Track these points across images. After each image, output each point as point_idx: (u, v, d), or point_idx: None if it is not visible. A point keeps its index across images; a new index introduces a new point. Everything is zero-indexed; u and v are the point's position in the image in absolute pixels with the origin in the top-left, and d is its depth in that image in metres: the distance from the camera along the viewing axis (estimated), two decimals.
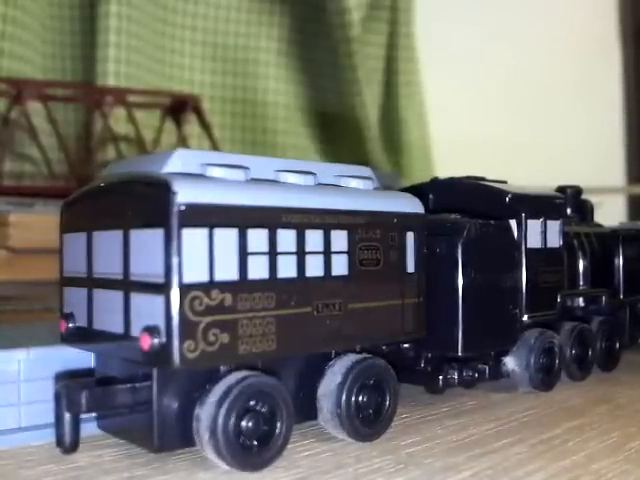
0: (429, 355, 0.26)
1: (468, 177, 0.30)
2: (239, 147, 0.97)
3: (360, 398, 0.22)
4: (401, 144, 1.06)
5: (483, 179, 0.30)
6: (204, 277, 0.18)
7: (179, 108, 0.79)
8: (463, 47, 1.17)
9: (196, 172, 0.19)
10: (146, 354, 0.18)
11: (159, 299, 0.18)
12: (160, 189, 0.18)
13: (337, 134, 1.04)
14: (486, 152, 1.19)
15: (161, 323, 0.18)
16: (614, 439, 0.25)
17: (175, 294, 0.18)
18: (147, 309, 0.18)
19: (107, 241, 0.20)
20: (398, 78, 1.04)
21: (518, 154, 1.23)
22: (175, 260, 0.17)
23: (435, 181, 0.30)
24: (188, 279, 0.18)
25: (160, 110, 0.79)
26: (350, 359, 0.22)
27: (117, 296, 0.19)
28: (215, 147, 0.80)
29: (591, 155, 1.33)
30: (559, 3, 1.32)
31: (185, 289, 0.18)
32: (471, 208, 0.27)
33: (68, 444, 0.19)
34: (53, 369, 0.25)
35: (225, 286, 0.18)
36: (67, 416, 0.19)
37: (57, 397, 0.19)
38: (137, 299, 0.19)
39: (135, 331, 0.19)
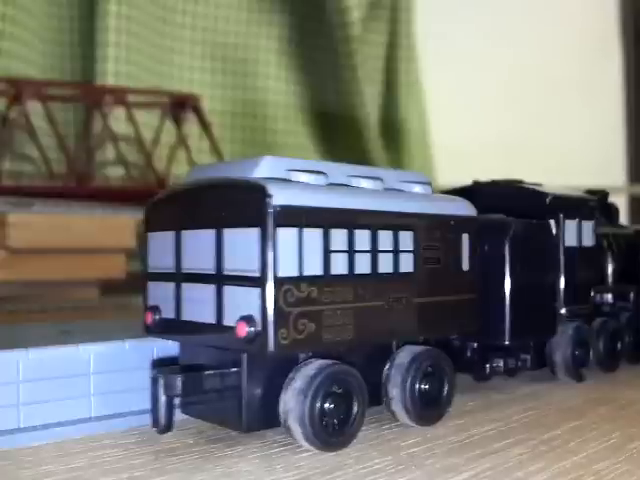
0: (474, 345, 0.28)
1: (508, 180, 0.33)
2: (239, 147, 0.97)
3: (422, 385, 0.24)
4: (401, 144, 1.05)
5: (522, 182, 0.33)
6: (295, 272, 0.20)
7: (179, 107, 0.78)
8: (464, 47, 1.17)
9: (282, 177, 0.22)
10: (241, 341, 0.20)
11: (255, 291, 0.20)
12: (256, 192, 0.20)
13: (337, 134, 1.04)
14: (487, 152, 1.19)
15: (257, 313, 0.20)
16: (615, 440, 0.25)
17: (270, 287, 0.20)
18: (242, 301, 0.20)
19: (197, 239, 0.22)
20: (398, 78, 1.04)
21: (519, 154, 1.23)
22: (270, 256, 0.20)
23: (476, 184, 0.32)
24: (282, 273, 0.20)
25: (160, 110, 0.79)
26: (413, 349, 0.25)
27: (208, 289, 0.21)
28: (215, 147, 0.80)
29: (592, 155, 1.33)
30: (560, 3, 1.32)
31: (279, 282, 0.20)
32: (511, 209, 0.29)
33: (163, 425, 0.21)
34: (53, 369, 0.25)
35: (312, 280, 0.21)
36: (163, 399, 0.21)
37: (154, 382, 0.21)
38: (231, 292, 0.20)
39: (229, 321, 0.20)
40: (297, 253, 0.20)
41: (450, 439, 0.25)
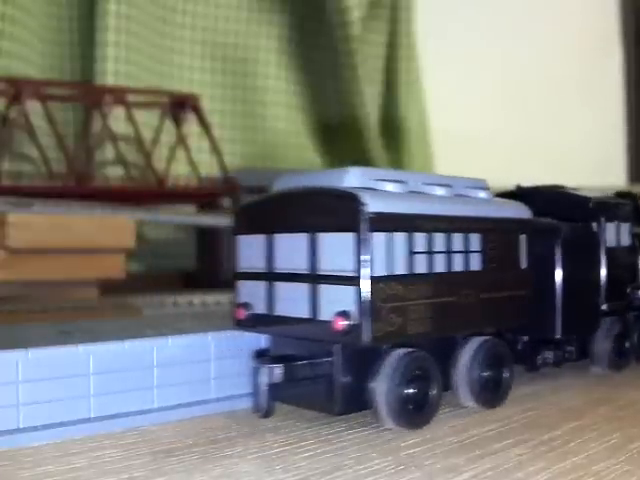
0: (524, 338, 0.31)
1: (550, 185, 0.35)
2: (239, 146, 0.97)
3: (486, 372, 0.28)
4: (401, 143, 1.05)
5: (563, 187, 0.36)
6: (385, 272, 0.23)
7: (178, 107, 0.78)
8: (464, 46, 1.16)
9: (369, 186, 0.25)
10: (338, 334, 0.23)
11: (351, 289, 0.23)
12: (352, 201, 0.23)
13: (337, 133, 1.04)
14: (487, 151, 1.19)
15: (353, 308, 0.23)
16: (615, 440, 0.25)
17: (366, 285, 0.23)
18: (338, 297, 0.23)
19: (291, 242, 0.25)
20: (398, 77, 1.04)
21: (519, 153, 1.23)
22: (365, 258, 0.23)
23: (520, 189, 0.35)
24: (375, 273, 0.23)
25: (159, 109, 0.79)
26: (478, 339, 0.28)
27: (302, 287, 0.24)
28: (215, 146, 0.80)
29: (592, 154, 1.33)
30: (560, 2, 1.31)
31: (373, 281, 0.23)
32: (555, 212, 0.32)
33: (265, 410, 0.24)
34: (52, 370, 0.25)
35: (399, 279, 0.24)
36: (264, 386, 0.23)
37: (256, 370, 0.23)
38: (326, 289, 0.23)
39: (324, 315, 0.23)
40: (386, 255, 0.23)
41: (450, 439, 0.25)
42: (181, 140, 0.78)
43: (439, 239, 0.25)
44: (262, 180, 0.96)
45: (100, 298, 0.57)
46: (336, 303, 0.23)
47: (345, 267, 0.23)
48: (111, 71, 0.82)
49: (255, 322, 0.26)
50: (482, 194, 0.28)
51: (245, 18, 0.97)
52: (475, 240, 0.26)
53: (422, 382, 0.25)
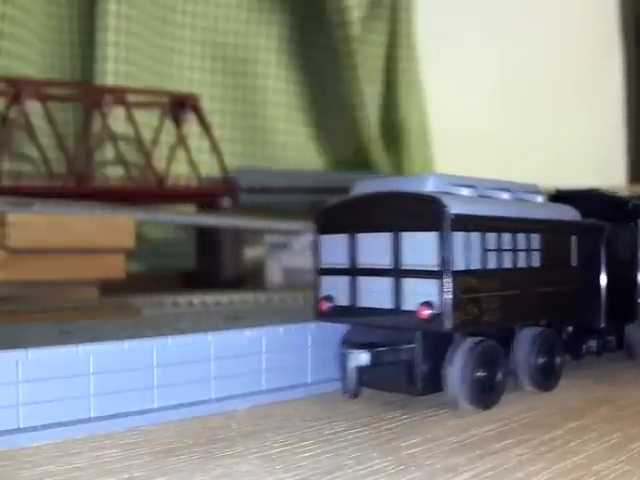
0: (569, 329, 0.33)
1: (588, 188, 0.38)
2: (239, 146, 0.97)
3: (541, 358, 0.31)
4: (401, 144, 1.05)
5: (598, 189, 0.38)
6: (463, 267, 0.26)
7: (178, 107, 0.78)
8: (464, 46, 1.16)
9: (446, 191, 0.28)
10: (422, 322, 0.26)
11: (434, 282, 0.26)
12: (435, 204, 0.26)
13: (337, 133, 1.04)
14: (487, 151, 1.19)
15: (436, 299, 0.26)
16: (615, 440, 0.25)
17: (448, 279, 0.26)
18: (422, 290, 0.26)
19: (374, 241, 0.27)
20: (398, 77, 1.03)
21: (519, 153, 1.23)
22: (447, 254, 0.26)
23: (560, 192, 0.37)
24: (455, 268, 0.26)
25: (159, 109, 0.79)
26: (535, 330, 0.31)
27: (386, 281, 0.27)
28: (215, 146, 0.80)
29: (593, 154, 1.33)
30: (561, 2, 1.31)
31: (454, 275, 0.26)
32: (595, 213, 0.34)
33: (353, 391, 0.27)
34: (52, 370, 0.25)
35: (475, 273, 0.27)
36: (353, 370, 0.26)
37: (345, 356, 0.26)
38: (410, 283, 0.26)
39: (408, 306, 0.26)
40: (464, 252, 0.26)
41: (450, 439, 0.25)
42: (181, 140, 0.78)
43: (506, 238, 0.28)
44: (262, 180, 0.96)
45: (100, 298, 0.57)
46: (420, 295, 0.26)
47: (428, 262, 0.26)
48: (111, 71, 0.82)
49: (337, 313, 0.28)
50: (538, 198, 0.32)
51: (245, 18, 0.96)
52: (534, 240, 0.29)
53: (490, 367, 0.28)
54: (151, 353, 0.27)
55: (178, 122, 0.78)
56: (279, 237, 0.75)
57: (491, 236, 0.27)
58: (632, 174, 1.40)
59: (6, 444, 0.24)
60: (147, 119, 0.81)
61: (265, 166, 0.97)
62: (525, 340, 0.30)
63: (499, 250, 0.27)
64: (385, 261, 0.27)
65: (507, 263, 0.28)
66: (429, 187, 0.27)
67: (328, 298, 0.28)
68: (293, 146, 1.00)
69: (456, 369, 0.27)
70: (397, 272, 0.26)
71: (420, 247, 0.26)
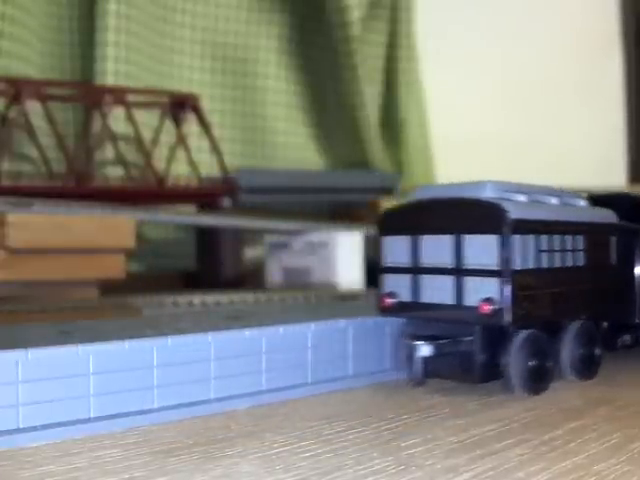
0: (605, 323, 0.35)
1: (618, 192, 0.41)
2: (239, 146, 0.97)
3: (583, 350, 0.33)
4: (401, 144, 1.05)
5: (629, 194, 0.40)
6: (521, 266, 0.29)
7: (178, 107, 0.78)
8: (464, 46, 1.16)
9: (503, 197, 0.30)
10: (483, 317, 0.28)
11: (495, 280, 0.28)
12: (496, 209, 0.29)
13: (337, 133, 1.04)
14: (487, 152, 1.19)
15: (496, 296, 0.28)
16: (615, 440, 0.25)
17: (508, 277, 0.28)
18: (483, 287, 0.28)
19: (436, 242, 0.30)
20: (398, 77, 1.03)
21: (519, 153, 1.23)
22: (507, 255, 0.28)
23: (593, 196, 0.39)
24: (515, 267, 0.29)
25: (159, 109, 0.79)
26: (577, 323, 0.33)
27: (447, 279, 0.29)
28: (214, 146, 0.80)
29: (593, 155, 1.33)
30: (561, 3, 1.31)
31: (513, 274, 0.28)
32: (624, 215, 0.36)
33: (419, 379, 0.29)
34: (52, 370, 0.25)
35: (530, 272, 0.29)
36: (419, 360, 0.29)
37: (411, 346, 0.29)
38: (471, 281, 0.29)
39: (470, 302, 0.29)
40: (521, 252, 0.29)
41: (450, 440, 0.25)
42: (181, 140, 0.78)
43: (556, 240, 0.31)
44: (262, 180, 0.96)
45: (100, 298, 0.57)
46: (481, 292, 0.28)
47: (490, 262, 0.28)
48: (111, 71, 0.82)
49: (399, 308, 0.31)
50: (581, 203, 0.34)
51: (245, 18, 0.96)
52: (579, 241, 0.32)
53: (540, 357, 0.31)
54: (151, 353, 0.27)
55: (178, 122, 0.78)
56: (279, 237, 0.75)
57: (544, 238, 0.30)
58: (632, 174, 1.40)
59: (6, 444, 0.24)
60: (147, 119, 0.81)
61: (265, 166, 0.97)
62: (569, 333, 0.32)
63: (550, 251, 0.30)
64: (447, 261, 0.29)
65: (557, 263, 0.31)
66: (487, 193, 0.29)
67: (391, 294, 0.31)
68: (293, 146, 1.00)
69: (512, 359, 0.29)
70: (459, 271, 0.29)
71: (481, 248, 0.28)
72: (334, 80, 1.00)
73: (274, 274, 0.75)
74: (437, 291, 0.29)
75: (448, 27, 1.12)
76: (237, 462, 0.22)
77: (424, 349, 0.28)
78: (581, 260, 0.32)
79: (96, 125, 0.75)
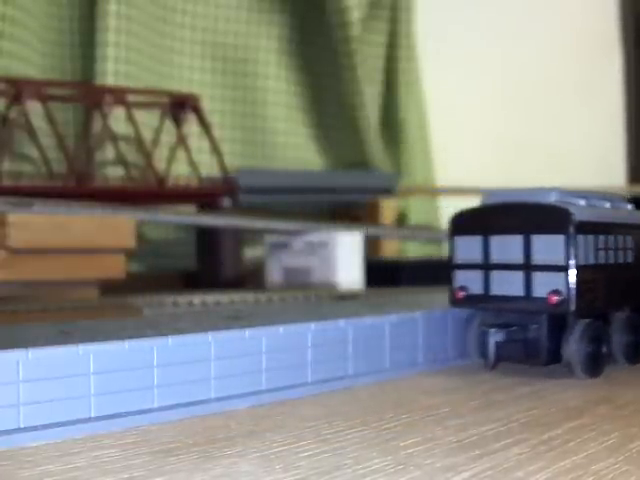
0: None
1: None
2: (239, 146, 0.97)
3: (630, 337, 0.37)
4: (401, 144, 1.05)
5: None
6: (583, 262, 0.33)
7: (178, 107, 0.78)
8: (464, 47, 1.16)
9: (566, 201, 0.34)
10: (551, 307, 0.33)
11: (562, 274, 0.32)
12: (563, 212, 0.33)
13: (337, 134, 1.04)
14: (486, 152, 1.19)
15: (563, 288, 0.32)
16: (614, 440, 0.25)
17: (573, 272, 0.32)
18: (551, 281, 0.33)
19: (505, 241, 0.34)
20: (398, 78, 1.03)
21: (519, 154, 1.23)
22: (573, 252, 0.32)
23: (631, 198, 0.43)
24: (579, 263, 0.33)
25: (159, 110, 0.79)
26: (624, 314, 0.37)
27: (517, 274, 0.34)
28: (215, 147, 0.80)
29: (592, 155, 1.33)
30: (561, 3, 1.31)
31: (577, 268, 0.33)
32: None
33: (492, 363, 0.34)
34: (53, 369, 0.25)
35: (591, 267, 0.33)
36: (493, 345, 0.33)
37: (485, 333, 0.33)
38: (539, 275, 0.33)
39: (538, 293, 0.33)
40: (584, 250, 0.33)
41: (449, 439, 0.25)
42: (181, 140, 0.78)
43: (611, 239, 0.35)
44: (262, 180, 0.96)
45: (100, 298, 0.57)
46: (549, 284, 0.32)
47: (557, 259, 0.32)
48: (111, 71, 0.82)
49: (471, 300, 0.35)
50: (628, 206, 0.38)
51: (245, 18, 0.96)
52: (628, 240, 0.36)
53: (597, 343, 0.34)
54: (151, 353, 0.27)
55: (178, 122, 0.79)
56: (279, 237, 0.75)
57: (601, 238, 0.34)
58: (631, 175, 1.40)
59: (6, 444, 0.24)
60: (147, 119, 0.81)
61: (265, 166, 0.97)
62: (617, 322, 0.36)
63: (606, 249, 0.34)
64: (517, 258, 0.33)
65: (611, 259, 0.35)
66: (552, 198, 0.34)
67: (463, 288, 0.35)
68: (293, 146, 1.00)
69: (573, 344, 0.33)
70: (528, 267, 0.33)
71: (549, 247, 0.32)
72: (334, 80, 1.00)
73: (274, 274, 0.75)
74: (507, 284, 0.33)
75: (448, 27, 1.12)
76: (236, 462, 0.22)
77: (497, 335, 0.32)
78: (630, 257, 0.36)
79: (96, 125, 0.75)
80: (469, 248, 0.35)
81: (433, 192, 1.08)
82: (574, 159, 1.25)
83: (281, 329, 0.31)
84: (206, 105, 0.84)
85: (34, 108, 0.69)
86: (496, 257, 0.34)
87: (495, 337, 0.33)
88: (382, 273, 0.72)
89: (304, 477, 0.21)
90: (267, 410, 0.29)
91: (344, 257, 0.70)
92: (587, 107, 1.32)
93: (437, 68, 1.09)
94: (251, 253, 0.86)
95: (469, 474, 0.21)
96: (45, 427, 0.25)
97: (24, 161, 0.76)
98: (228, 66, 0.96)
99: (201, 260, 0.79)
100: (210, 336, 0.29)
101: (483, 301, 0.35)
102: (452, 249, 0.36)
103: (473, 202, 0.37)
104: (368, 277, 0.70)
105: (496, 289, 0.34)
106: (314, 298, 0.58)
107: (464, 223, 0.36)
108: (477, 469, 0.21)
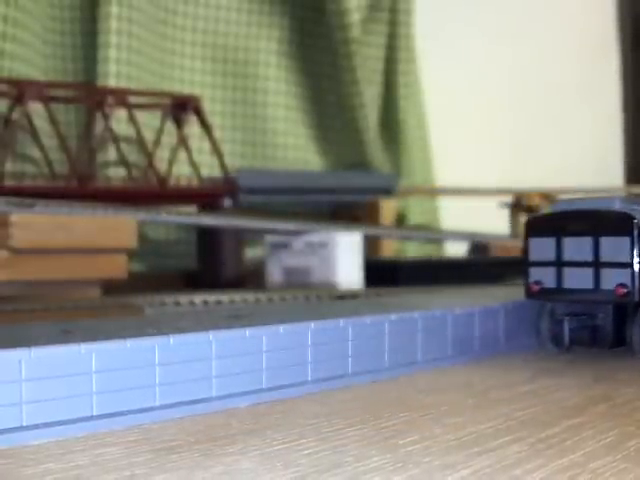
0: None
1: None
2: (239, 148, 0.98)
3: None
4: (401, 145, 1.05)
5: None
6: None
7: (179, 109, 0.79)
8: (463, 49, 1.17)
9: (627, 208, 0.39)
10: (618, 297, 0.38)
11: (627, 270, 0.38)
12: (628, 217, 0.38)
13: (337, 135, 1.04)
14: (485, 153, 1.19)
15: (628, 281, 0.37)
16: (612, 438, 0.25)
17: (637, 267, 0.38)
18: (618, 275, 0.38)
19: (576, 242, 0.40)
20: (398, 79, 1.04)
21: (518, 154, 1.23)
22: (637, 251, 0.38)
23: None
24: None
25: (161, 111, 0.79)
26: None
27: (587, 270, 0.39)
28: (215, 148, 0.81)
29: (590, 156, 1.33)
30: (559, 6, 1.32)
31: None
32: None
33: (566, 346, 0.39)
34: (55, 368, 0.25)
35: None
36: (567, 331, 0.38)
37: (560, 321, 0.39)
38: (607, 271, 0.38)
39: (606, 286, 0.38)
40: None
41: (448, 437, 0.25)
42: (182, 141, 0.79)
43: None
44: (262, 180, 0.97)
45: (102, 297, 0.57)
46: (615, 279, 0.38)
47: (622, 257, 0.38)
48: (113, 73, 0.82)
49: (545, 293, 0.40)
50: None
51: (245, 21, 0.97)
52: None
53: None
54: (153, 352, 0.28)
55: (179, 123, 0.79)
56: (279, 237, 0.76)
57: None
58: (629, 176, 1.41)
59: (9, 442, 0.24)
60: (149, 120, 0.81)
61: (265, 166, 0.98)
62: None
63: None
64: (587, 256, 0.39)
65: None
66: (617, 205, 0.39)
67: (537, 282, 0.40)
68: (293, 147, 1.00)
69: (635, 330, 0.38)
70: (597, 264, 0.38)
71: (615, 247, 0.38)
72: (334, 82, 1.01)
73: (274, 274, 0.75)
74: (577, 279, 0.39)
75: (447, 28, 1.12)
76: (237, 459, 0.22)
77: (571, 323, 0.38)
78: None
79: (98, 126, 0.75)
80: (543, 248, 0.40)
81: (432, 192, 1.08)
82: (573, 159, 1.25)
83: (281, 328, 0.31)
84: (207, 106, 0.84)
85: (36, 109, 0.69)
86: (568, 256, 0.39)
87: (569, 324, 0.38)
88: (381, 273, 0.73)
89: (304, 474, 0.21)
90: (268, 408, 0.29)
91: (344, 257, 0.70)
92: (585, 108, 1.33)
93: (437, 69, 1.09)
94: (251, 253, 0.87)
95: (467, 472, 0.21)
96: (47, 425, 0.25)
97: (26, 162, 0.76)
98: (228, 68, 0.97)
99: (202, 260, 0.79)
100: (211, 335, 0.29)
101: (556, 293, 0.40)
102: (527, 249, 0.41)
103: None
104: (367, 277, 0.71)
105: (568, 283, 0.39)
106: (314, 298, 0.58)
107: (538, 227, 0.41)
108: (475, 467, 0.22)
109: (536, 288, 0.40)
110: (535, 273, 0.40)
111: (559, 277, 0.39)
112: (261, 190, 0.84)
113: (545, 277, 0.40)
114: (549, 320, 0.40)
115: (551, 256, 0.40)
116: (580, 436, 0.25)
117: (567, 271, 0.39)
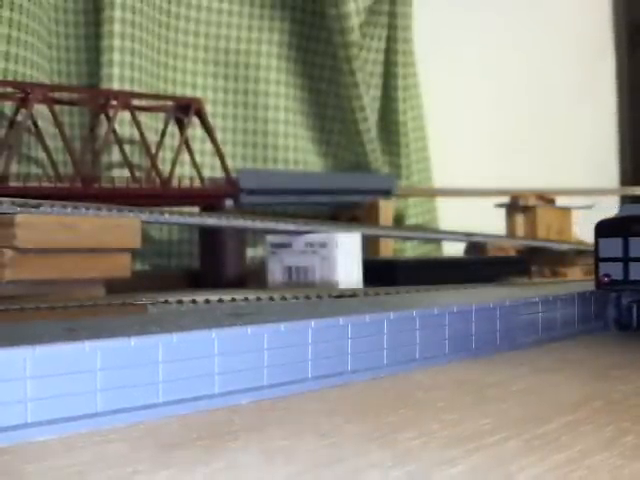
0: None
1: None
2: (240, 149, 0.99)
3: None
4: (400, 147, 1.06)
5: None
6: None
7: (182, 111, 0.80)
8: (461, 51, 1.18)
9: None
10: None
11: None
12: None
13: (337, 137, 1.05)
14: (483, 154, 1.20)
15: None
16: (608, 434, 0.25)
17: None
18: None
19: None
20: (396, 82, 1.04)
21: (515, 156, 1.24)
22: None
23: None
24: None
25: (163, 113, 0.80)
26: None
27: None
28: (217, 150, 0.81)
29: (586, 157, 1.34)
30: (557, 10, 1.33)
31: None
32: None
33: (634, 328, 0.45)
34: (59, 366, 0.26)
35: None
36: (636, 315, 0.45)
37: (630, 307, 0.45)
38: None
39: None
40: None
41: (445, 433, 0.25)
42: (185, 143, 0.79)
43: None
44: (263, 181, 0.97)
45: (106, 296, 0.58)
46: None
47: None
48: (117, 76, 0.83)
49: (613, 284, 0.46)
50: None
51: (247, 25, 0.98)
52: None
53: None
54: (156, 349, 0.28)
55: (182, 125, 0.80)
56: (280, 237, 0.76)
57: None
58: (623, 177, 1.41)
59: (14, 439, 0.24)
60: (152, 122, 0.82)
61: (266, 168, 0.98)
62: None
63: None
64: None
65: None
66: None
67: (607, 275, 0.46)
68: (293, 149, 1.01)
69: None
70: None
71: None
72: (334, 85, 1.01)
73: (275, 273, 0.76)
74: None
75: (446, 31, 1.13)
76: (239, 455, 0.23)
77: (638, 309, 0.44)
78: None
79: (102, 128, 0.76)
80: (611, 247, 0.46)
81: (431, 193, 1.09)
82: (569, 161, 1.25)
83: (282, 326, 0.31)
84: (209, 109, 0.85)
85: (41, 111, 0.70)
86: (633, 253, 0.45)
87: (638, 310, 0.44)
88: (380, 272, 0.73)
89: (305, 470, 0.21)
90: (269, 405, 0.29)
91: (344, 257, 0.71)
92: (582, 110, 1.33)
93: (435, 71, 1.10)
94: (253, 253, 0.87)
95: (464, 467, 0.21)
96: (51, 422, 0.25)
97: (31, 163, 0.77)
98: (230, 71, 0.97)
99: (204, 259, 0.80)
100: (214, 333, 0.29)
101: (623, 284, 0.46)
102: (597, 248, 0.47)
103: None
104: (366, 276, 0.71)
105: (633, 275, 0.45)
106: (314, 297, 0.58)
107: (607, 228, 0.47)
108: (472, 462, 0.22)
109: (606, 280, 0.46)
110: (604, 268, 0.46)
111: (626, 271, 0.45)
112: (262, 191, 0.84)
113: (613, 270, 0.46)
114: (615, 308, 0.46)
115: (619, 253, 0.46)
116: (576, 432, 0.25)
117: (632, 265, 0.45)
